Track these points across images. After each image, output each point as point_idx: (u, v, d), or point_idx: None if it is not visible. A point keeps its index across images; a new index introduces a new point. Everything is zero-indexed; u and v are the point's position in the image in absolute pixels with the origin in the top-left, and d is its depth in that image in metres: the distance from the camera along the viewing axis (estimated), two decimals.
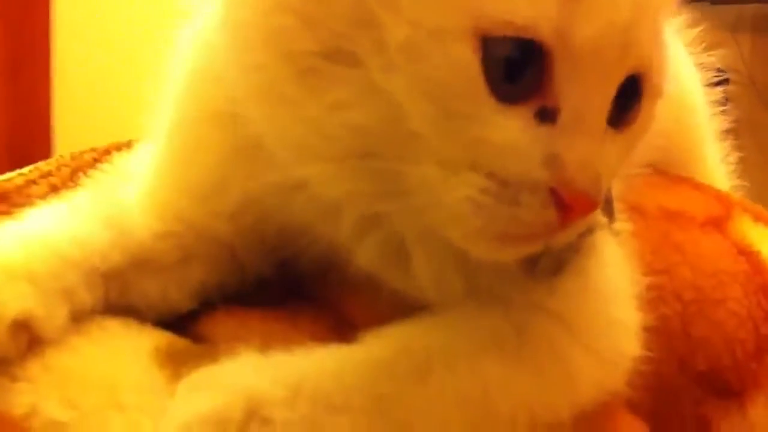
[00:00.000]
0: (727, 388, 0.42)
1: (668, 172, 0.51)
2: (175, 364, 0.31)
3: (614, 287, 0.36)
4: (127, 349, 0.31)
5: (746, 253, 0.43)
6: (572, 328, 0.34)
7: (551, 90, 0.27)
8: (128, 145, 0.51)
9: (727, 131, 1.81)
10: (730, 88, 2.21)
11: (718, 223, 0.45)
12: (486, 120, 0.26)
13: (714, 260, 0.42)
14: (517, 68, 0.27)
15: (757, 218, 0.47)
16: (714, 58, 0.55)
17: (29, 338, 0.29)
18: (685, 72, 0.53)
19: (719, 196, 0.48)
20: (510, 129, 0.27)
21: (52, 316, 0.30)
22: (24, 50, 2.71)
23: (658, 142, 0.46)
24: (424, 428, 0.29)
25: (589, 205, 0.28)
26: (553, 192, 0.27)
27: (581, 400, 0.33)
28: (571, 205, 0.27)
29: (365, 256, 0.32)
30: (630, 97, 0.30)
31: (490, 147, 0.27)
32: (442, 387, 0.30)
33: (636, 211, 0.42)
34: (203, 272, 0.37)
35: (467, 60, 0.26)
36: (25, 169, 0.51)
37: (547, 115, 0.27)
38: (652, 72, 0.30)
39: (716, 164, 0.58)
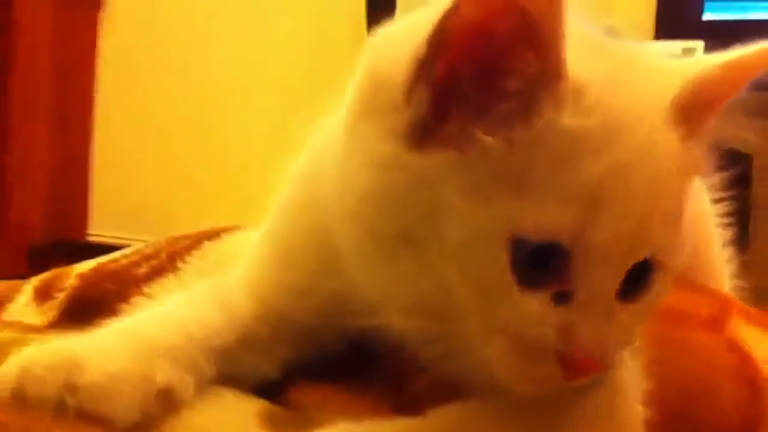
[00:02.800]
0: None
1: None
2: (273, 427, 0.41)
3: (629, 382, 0.45)
4: (239, 413, 0.41)
5: (735, 347, 0.52)
6: (596, 420, 0.43)
7: (567, 277, 0.36)
8: (217, 234, 0.62)
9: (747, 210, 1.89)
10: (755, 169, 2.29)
11: (715, 323, 0.54)
12: (512, 301, 0.36)
13: (709, 354, 0.52)
14: (540, 262, 0.36)
15: (750, 320, 0.57)
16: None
17: (169, 403, 0.40)
18: (695, 192, 0.62)
19: (717, 297, 0.58)
20: (530, 308, 0.36)
21: (185, 386, 0.40)
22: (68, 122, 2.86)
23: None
24: None
25: (596, 367, 0.37)
26: (562, 356, 0.36)
27: None
28: (578, 366, 0.36)
29: (428, 358, 0.41)
30: (642, 274, 0.38)
31: (515, 320, 0.36)
32: None
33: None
34: (290, 349, 0.47)
35: (500, 256, 0.35)
36: (128, 251, 0.62)
37: (562, 298, 0.36)
38: (663, 254, 0.39)
39: (720, 268, 0.67)
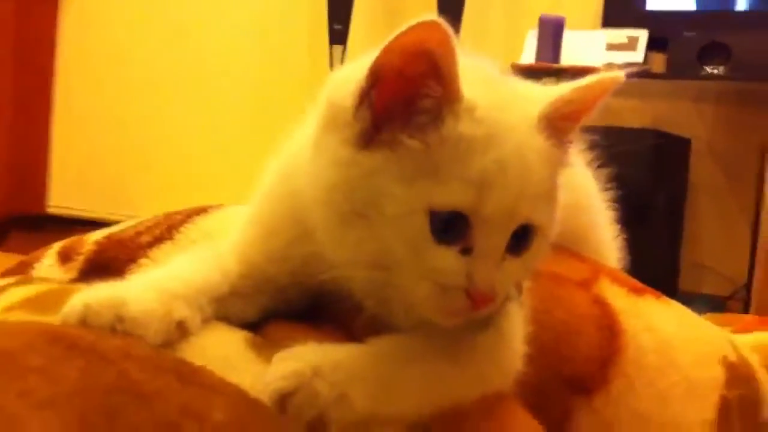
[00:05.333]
0: (583, 388, 0.70)
1: (566, 248, 0.79)
2: (255, 348, 0.59)
3: (513, 325, 0.64)
4: (231, 338, 0.59)
5: (600, 302, 0.72)
6: (486, 351, 0.62)
7: (469, 237, 0.54)
8: (205, 210, 0.80)
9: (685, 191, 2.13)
10: (692, 154, 2.52)
11: (586, 283, 0.74)
12: (432, 254, 0.54)
13: (578, 306, 0.72)
14: (450, 226, 0.54)
15: (616, 281, 0.76)
16: None
17: (183, 331, 0.58)
18: (579, 175, 0.81)
19: (591, 265, 0.77)
20: (445, 259, 0.54)
21: (194, 320, 0.58)
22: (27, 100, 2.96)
23: (560, 228, 0.74)
24: (403, 392, 0.56)
25: (489, 300, 0.55)
26: (468, 292, 0.54)
27: (486, 392, 0.61)
28: (477, 299, 0.55)
29: (369, 304, 0.59)
30: (524, 235, 0.57)
31: (435, 269, 0.54)
32: (416, 370, 0.57)
33: (535, 274, 0.70)
34: (267, 300, 0.65)
35: (422, 223, 0.53)
36: (132, 222, 0.80)
37: (467, 252, 0.54)
38: (537, 222, 0.57)
39: (605, 242, 0.87)
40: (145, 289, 0.57)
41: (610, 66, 2.63)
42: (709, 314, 1.12)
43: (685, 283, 2.85)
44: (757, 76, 2.48)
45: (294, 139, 0.64)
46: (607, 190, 0.88)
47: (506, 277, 0.57)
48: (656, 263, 2.69)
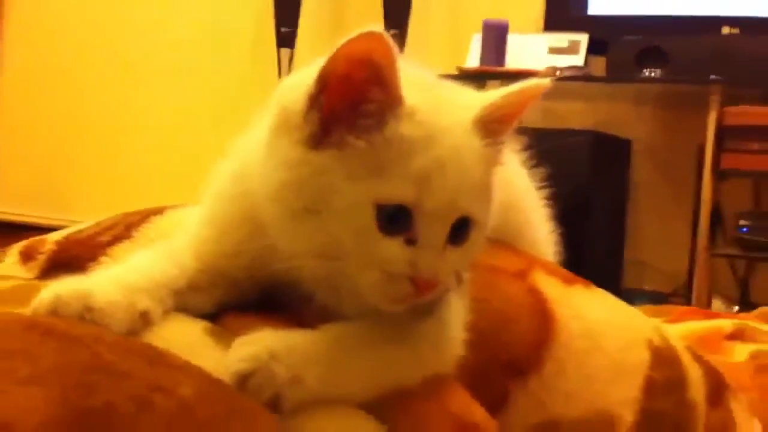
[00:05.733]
0: (519, 371, 0.76)
1: (502, 243, 0.86)
2: (214, 336, 0.64)
3: (454, 314, 0.70)
4: (191, 327, 0.64)
5: (534, 291, 0.79)
6: (428, 337, 0.68)
7: (413, 228, 0.60)
8: (161, 211, 0.84)
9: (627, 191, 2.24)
10: (633, 154, 2.63)
11: (521, 274, 0.81)
12: (379, 245, 0.59)
13: (513, 295, 0.78)
14: (394, 219, 0.59)
15: (549, 272, 0.83)
16: None
17: (146, 321, 0.62)
18: (514, 174, 0.88)
19: (527, 258, 0.84)
20: (391, 249, 0.59)
21: (156, 311, 0.63)
22: None
23: (496, 224, 0.81)
24: (352, 375, 0.61)
25: (432, 286, 0.61)
26: (412, 279, 0.60)
27: (428, 375, 0.67)
28: (421, 286, 0.60)
29: (319, 294, 0.64)
30: (462, 227, 0.62)
31: (382, 258, 0.59)
32: (364, 354, 0.62)
33: (473, 266, 0.77)
34: (222, 293, 0.70)
35: (369, 216, 0.59)
36: (90, 223, 0.84)
37: (411, 242, 0.60)
38: (474, 215, 0.63)
39: (540, 237, 0.93)
40: (110, 282, 0.62)
41: (552, 69, 2.73)
42: (647, 306, 1.20)
43: (628, 280, 2.96)
44: (692, 78, 2.60)
45: (244, 142, 0.69)
46: (542, 188, 0.95)
47: (448, 265, 0.63)
48: (599, 261, 2.79)
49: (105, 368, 0.47)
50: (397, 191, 0.59)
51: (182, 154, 3.08)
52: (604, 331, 0.81)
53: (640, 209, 3.02)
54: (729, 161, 2.53)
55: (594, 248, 2.71)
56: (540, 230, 0.94)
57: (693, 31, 2.74)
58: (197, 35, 3.25)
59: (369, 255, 0.60)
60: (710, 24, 2.72)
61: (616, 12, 2.95)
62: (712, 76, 2.50)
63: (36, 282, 0.72)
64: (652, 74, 2.66)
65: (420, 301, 0.63)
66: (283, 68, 3.00)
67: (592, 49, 2.83)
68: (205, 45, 3.26)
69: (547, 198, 0.96)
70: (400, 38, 2.97)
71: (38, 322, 0.53)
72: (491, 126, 0.65)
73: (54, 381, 0.45)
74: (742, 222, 2.57)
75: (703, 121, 2.53)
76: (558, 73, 2.66)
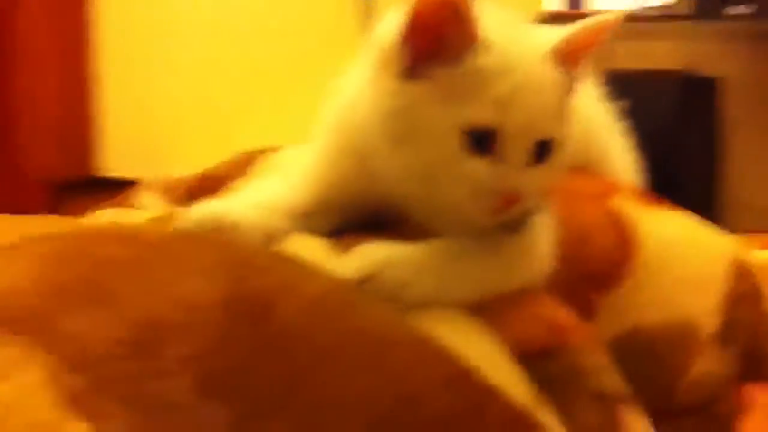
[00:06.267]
0: (602, 284, 0.85)
1: (583, 170, 0.94)
2: (334, 247, 0.74)
3: (543, 232, 0.79)
4: (313, 242, 0.74)
5: (613, 211, 0.87)
6: (520, 251, 0.77)
7: (498, 149, 0.68)
8: (274, 149, 0.96)
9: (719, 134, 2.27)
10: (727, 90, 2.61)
11: (601, 196, 0.89)
12: (468, 164, 0.68)
13: (594, 215, 0.87)
14: (481, 141, 0.68)
15: (628, 194, 0.91)
16: None
17: (276, 238, 0.74)
18: (593, 107, 0.95)
19: (606, 182, 0.92)
20: (479, 167, 0.67)
21: (283, 230, 0.74)
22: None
23: (576, 153, 0.89)
24: (456, 282, 0.70)
25: (516, 199, 0.69)
26: (499, 193, 0.68)
27: (523, 284, 0.77)
28: (507, 199, 0.69)
29: (419, 216, 0.74)
30: (544, 148, 0.71)
31: (470, 176, 0.68)
32: (466, 265, 0.71)
33: (557, 191, 0.86)
34: (333, 218, 0.80)
35: (458, 139, 0.67)
36: (221, 163, 0.97)
37: (496, 160, 0.68)
38: (555, 139, 0.70)
39: (620, 164, 1.01)
40: (244, 204, 0.74)
41: (639, 9, 2.74)
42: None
43: (727, 221, 2.97)
44: None
45: (347, 81, 0.79)
46: (622, 120, 1.02)
47: (531, 181, 0.71)
48: (695, 202, 2.80)
49: (253, 265, 0.59)
50: (479, 115, 0.68)
51: (276, 100, 3.22)
52: (682, 247, 0.89)
53: (736, 148, 3.01)
54: None
55: (689, 189, 2.73)
56: (620, 158, 1.02)
57: None
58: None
59: (459, 174, 0.69)
60: None
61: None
62: None
63: (177, 210, 0.85)
64: (740, 11, 2.63)
65: (508, 215, 0.71)
66: (362, 15, 3.09)
67: None
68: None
69: (628, 130, 1.03)
70: None
71: (195, 233, 0.65)
72: (567, 57, 0.73)
73: (217, 273, 0.56)
74: None
75: None
76: (643, 12, 2.67)
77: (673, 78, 2.77)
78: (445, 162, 0.69)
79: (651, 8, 2.74)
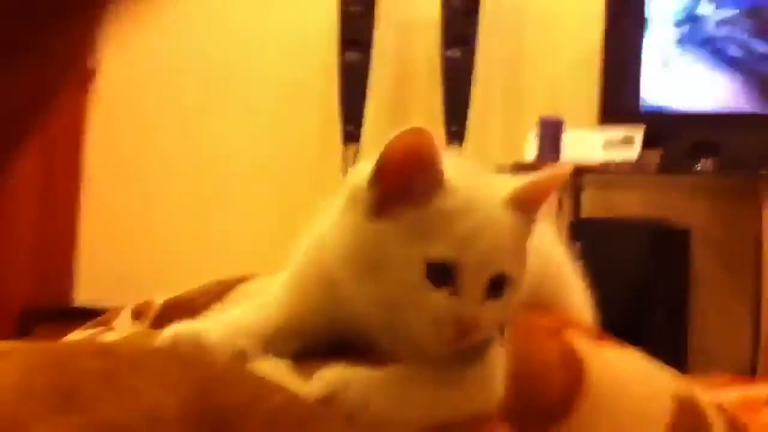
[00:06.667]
0: (554, 416, 0.90)
1: (539, 306, 1.00)
2: (298, 370, 0.79)
3: (497, 362, 0.85)
4: (278, 366, 0.80)
5: (566, 345, 0.93)
6: (475, 379, 0.83)
7: (456, 282, 0.75)
8: (246, 279, 1.02)
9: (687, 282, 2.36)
10: (691, 244, 2.73)
11: (555, 331, 0.95)
12: (428, 296, 0.74)
13: (548, 349, 0.92)
14: (441, 274, 0.74)
15: (581, 330, 0.97)
16: None
17: (244, 360, 0.78)
18: (550, 247, 1.03)
19: (561, 318, 0.98)
20: (438, 299, 0.72)
21: (252, 352, 0.79)
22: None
23: (533, 290, 0.96)
24: (412, 406, 0.75)
25: (472, 329, 0.75)
26: (456, 324, 0.74)
27: (476, 411, 0.82)
28: (463, 329, 0.75)
29: (383, 341, 0.79)
30: (498, 284, 0.77)
31: (431, 307, 0.74)
32: (422, 390, 0.77)
33: (512, 325, 0.91)
34: (303, 342, 0.85)
35: (420, 272, 0.74)
36: (191, 289, 1.02)
37: (455, 294, 0.75)
38: (509, 273, 0.77)
39: (575, 301, 1.08)
40: (216, 325, 0.79)
41: (606, 163, 2.89)
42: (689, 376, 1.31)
43: (692, 369, 3.02)
44: (744, 173, 2.73)
45: (320, 221, 0.86)
46: (578, 262, 1.10)
47: (487, 314, 0.77)
48: (663, 349, 2.86)
49: (218, 381, 0.64)
50: (442, 250, 0.75)
51: (254, 244, 3.29)
52: (631, 382, 0.94)
53: (702, 297, 3.10)
54: None
55: (657, 337, 2.79)
56: (575, 296, 1.08)
57: (745, 125, 2.87)
58: (265, 134, 3.51)
59: (420, 304, 0.76)
60: (763, 119, 2.86)
61: (670, 106, 3.11)
62: (762, 171, 2.62)
63: (149, 330, 0.90)
64: (705, 167, 2.78)
65: (464, 344, 0.77)
66: (348, 163, 3.23)
67: (647, 142, 2.98)
68: (273, 143, 3.51)
69: (583, 271, 1.10)
70: (460, 134, 3.18)
71: (166, 350, 0.70)
72: (523, 204, 0.80)
73: (182, 388, 0.61)
74: None
75: (759, 213, 2.64)
76: (612, 166, 2.82)
77: (645, 227, 2.88)
78: (408, 293, 0.76)
79: (620, 161, 2.88)
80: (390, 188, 0.77)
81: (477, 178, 0.82)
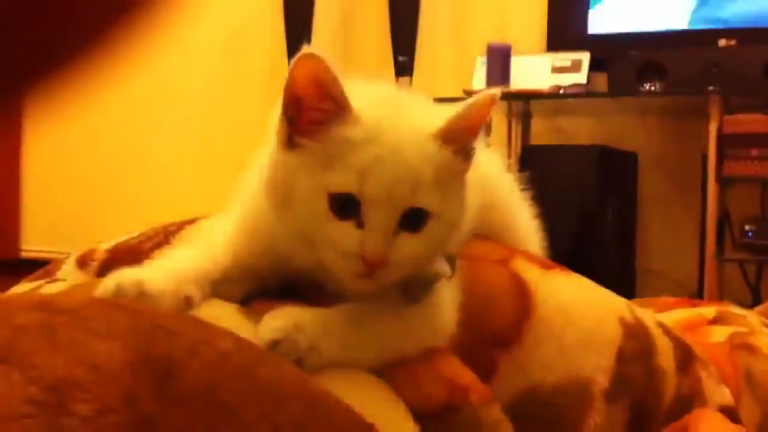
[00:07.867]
0: (503, 342, 0.91)
1: (486, 237, 1.01)
2: (245, 314, 0.79)
3: (446, 297, 0.86)
4: (225, 309, 0.79)
5: (514, 275, 0.94)
6: (422, 316, 0.83)
7: (360, 214, 0.73)
8: (194, 221, 1.00)
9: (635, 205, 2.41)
10: (639, 167, 2.77)
11: (503, 261, 0.96)
12: (333, 228, 0.74)
13: (496, 279, 0.93)
14: (345, 205, 0.73)
15: (529, 259, 0.98)
16: None
17: (189, 305, 0.78)
18: (496, 178, 1.03)
19: (508, 248, 0.99)
20: (342, 231, 0.72)
21: (197, 297, 0.78)
22: None
23: (478, 220, 0.96)
24: (361, 346, 0.76)
25: (379, 265, 0.73)
26: (362, 258, 0.73)
27: (425, 348, 0.82)
28: (370, 263, 0.73)
29: (326, 280, 0.79)
30: (417, 217, 0.75)
31: (335, 238, 0.73)
32: (371, 330, 0.77)
33: (461, 256, 0.92)
34: (250, 284, 0.85)
35: (324, 203, 0.73)
36: (135, 233, 1.00)
37: (360, 225, 0.74)
38: (428, 207, 0.75)
39: (523, 232, 1.08)
40: (160, 272, 0.78)
41: (555, 87, 2.89)
42: (635, 299, 1.35)
43: (640, 290, 3.09)
44: (691, 90, 2.75)
45: (259, 154, 0.84)
46: (527, 190, 1.10)
47: (399, 248, 0.75)
48: (612, 272, 2.92)
49: (162, 328, 0.63)
50: (342, 181, 0.73)
51: (203, 185, 3.26)
52: (578, 308, 0.95)
53: (649, 220, 3.15)
54: (731, 168, 2.66)
55: (605, 260, 2.84)
56: (523, 227, 1.09)
57: (690, 44, 2.89)
58: (214, 68, 3.44)
59: (326, 237, 0.75)
60: (707, 36, 2.87)
61: (616, 30, 3.11)
62: (710, 87, 2.64)
63: (97, 280, 0.88)
64: (652, 88, 2.80)
65: (383, 280, 0.76)
66: None
67: (594, 66, 2.98)
68: (223, 78, 3.45)
69: (533, 199, 1.11)
70: (409, 63, 3.15)
71: (108, 300, 0.69)
72: (452, 136, 0.77)
73: (126, 336, 0.60)
74: (747, 227, 2.70)
75: (705, 130, 2.67)
76: (561, 91, 2.82)
77: (592, 152, 2.90)
78: (315, 226, 0.75)
79: (569, 86, 2.88)
80: (294, 119, 0.76)
81: (394, 107, 0.79)
